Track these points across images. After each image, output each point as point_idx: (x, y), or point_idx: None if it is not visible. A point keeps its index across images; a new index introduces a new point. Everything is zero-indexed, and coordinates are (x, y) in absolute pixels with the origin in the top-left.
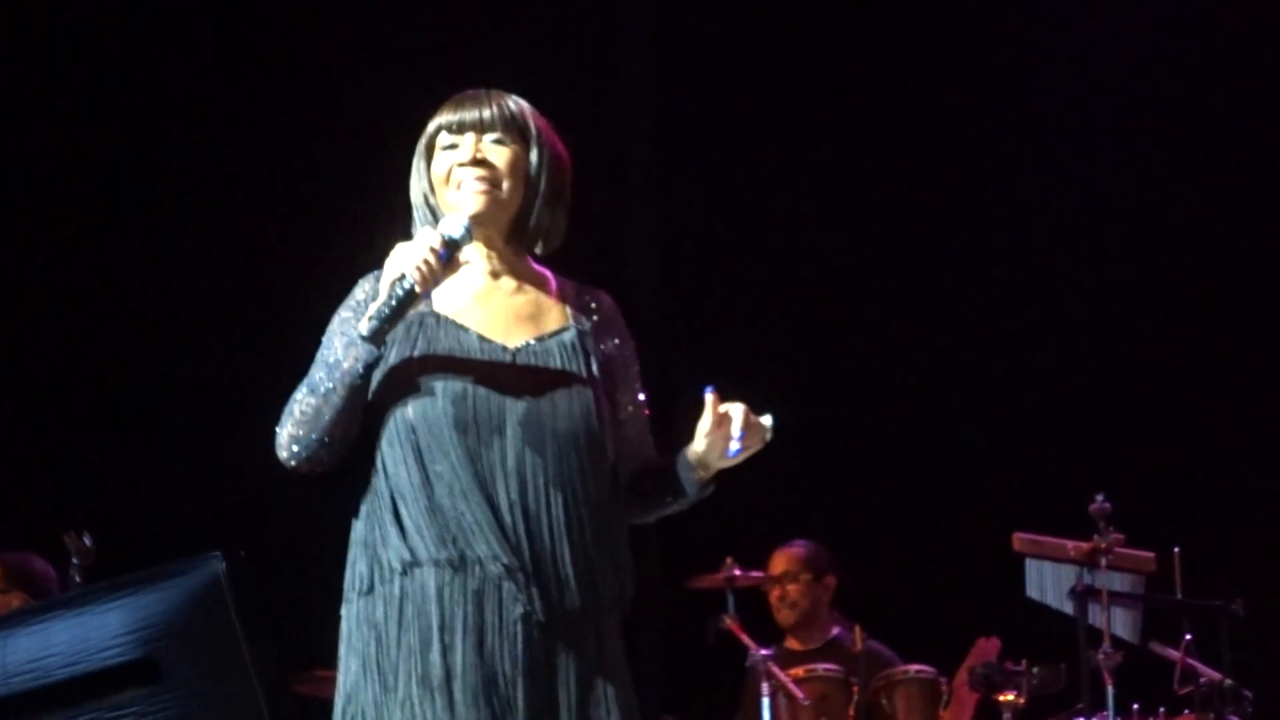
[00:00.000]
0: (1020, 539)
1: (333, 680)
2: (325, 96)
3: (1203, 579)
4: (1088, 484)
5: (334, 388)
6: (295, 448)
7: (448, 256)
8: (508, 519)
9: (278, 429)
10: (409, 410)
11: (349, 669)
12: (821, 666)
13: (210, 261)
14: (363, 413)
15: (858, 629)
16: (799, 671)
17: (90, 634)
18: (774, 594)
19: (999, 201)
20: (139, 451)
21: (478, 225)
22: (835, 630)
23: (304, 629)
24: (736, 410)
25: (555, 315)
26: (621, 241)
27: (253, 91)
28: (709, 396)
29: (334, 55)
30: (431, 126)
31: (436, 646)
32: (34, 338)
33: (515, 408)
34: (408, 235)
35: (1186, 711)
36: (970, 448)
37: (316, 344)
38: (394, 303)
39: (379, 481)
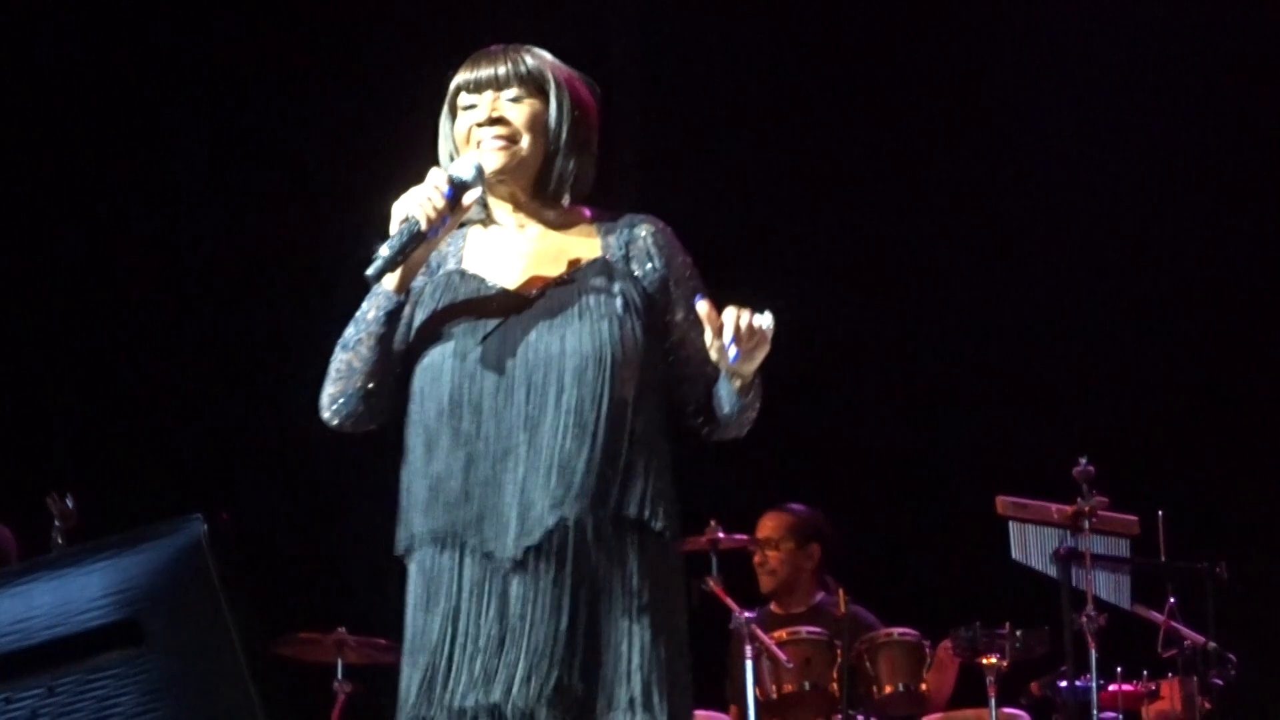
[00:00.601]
0: (1004, 502)
1: (317, 643)
2: (347, 58)
3: (1186, 542)
4: (1072, 447)
5: (360, 339)
6: (335, 405)
7: (454, 195)
8: (488, 478)
9: (321, 393)
10: (419, 371)
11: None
12: (805, 629)
13: (193, 221)
14: (399, 367)
15: (841, 592)
16: (782, 634)
17: (72, 596)
18: (756, 559)
19: (986, 166)
20: (122, 413)
21: (500, 182)
22: (819, 595)
23: (287, 591)
24: (728, 316)
25: (584, 250)
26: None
27: (269, 51)
28: (699, 306)
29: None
30: (452, 87)
31: (432, 617)
32: (14, 300)
33: (523, 352)
34: None
35: (1170, 674)
36: (954, 411)
37: (300, 303)
38: (398, 243)
39: (400, 450)
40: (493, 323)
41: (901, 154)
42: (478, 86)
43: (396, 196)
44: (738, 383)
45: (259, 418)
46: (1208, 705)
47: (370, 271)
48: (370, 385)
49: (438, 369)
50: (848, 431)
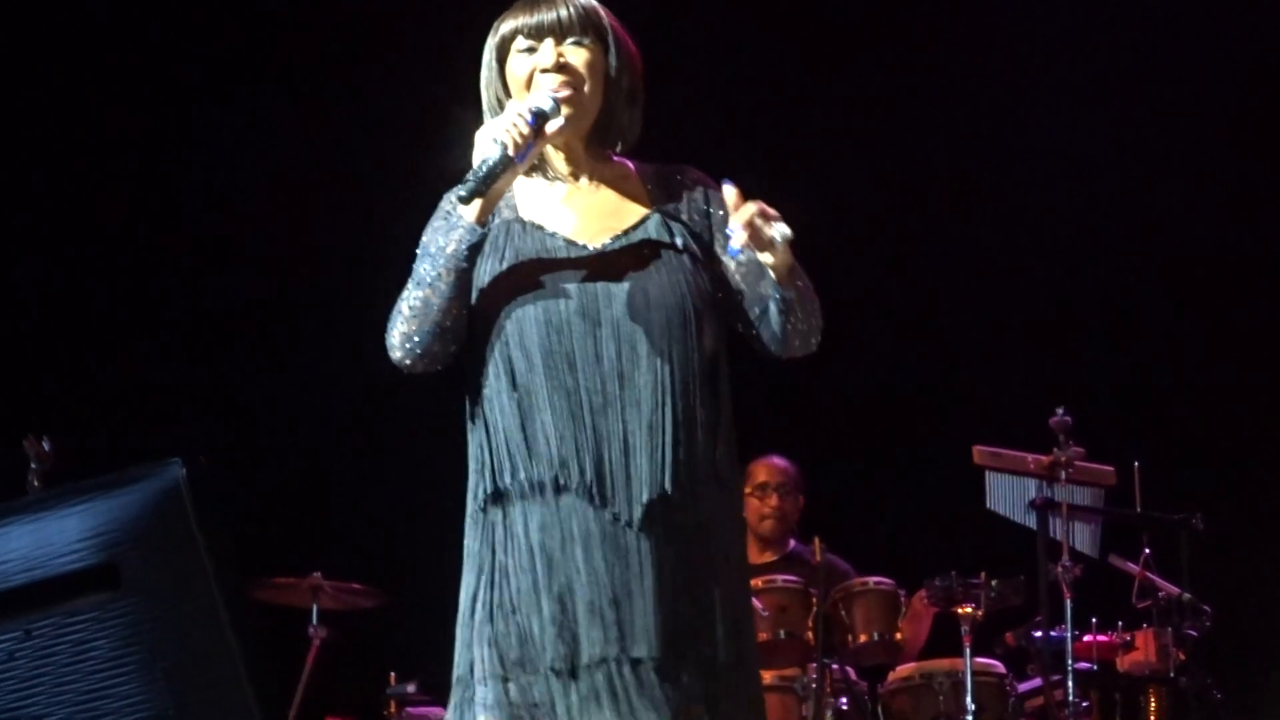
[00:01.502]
0: (980, 452)
1: (293, 588)
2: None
3: (1162, 493)
4: (1048, 398)
5: (440, 274)
6: (409, 344)
7: (536, 124)
8: (594, 431)
9: (387, 334)
10: (503, 323)
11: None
12: (781, 578)
13: (168, 161)
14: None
15: (817, 541)
16: (758, 583)
17: (49, 539)
18: (758, 503)
19: (967, 116)
20: (99, 355)
21: (564, 126)
22: (793, 544)
23: (264, 536)
24: (745, 210)
25: (637, 205)
26: None
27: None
28: (726, 188)
29: None
30: (505, 28)
31: (500, 576)
32: None
33: (606, 306)
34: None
35: (1145, 625)
36: (931, 361)
37: (278, 246)
38: (487, 167)
39: (478, 401)
40: (571, 278)
41: (884, 103)
42: (538, 32)
43: (376, 139)
44: (773, 274)
45: (238, 361)
46: (1182, 656)
47: (462, 192)
48: (448, 322)
49: (522, 323)
50: (824, 381)
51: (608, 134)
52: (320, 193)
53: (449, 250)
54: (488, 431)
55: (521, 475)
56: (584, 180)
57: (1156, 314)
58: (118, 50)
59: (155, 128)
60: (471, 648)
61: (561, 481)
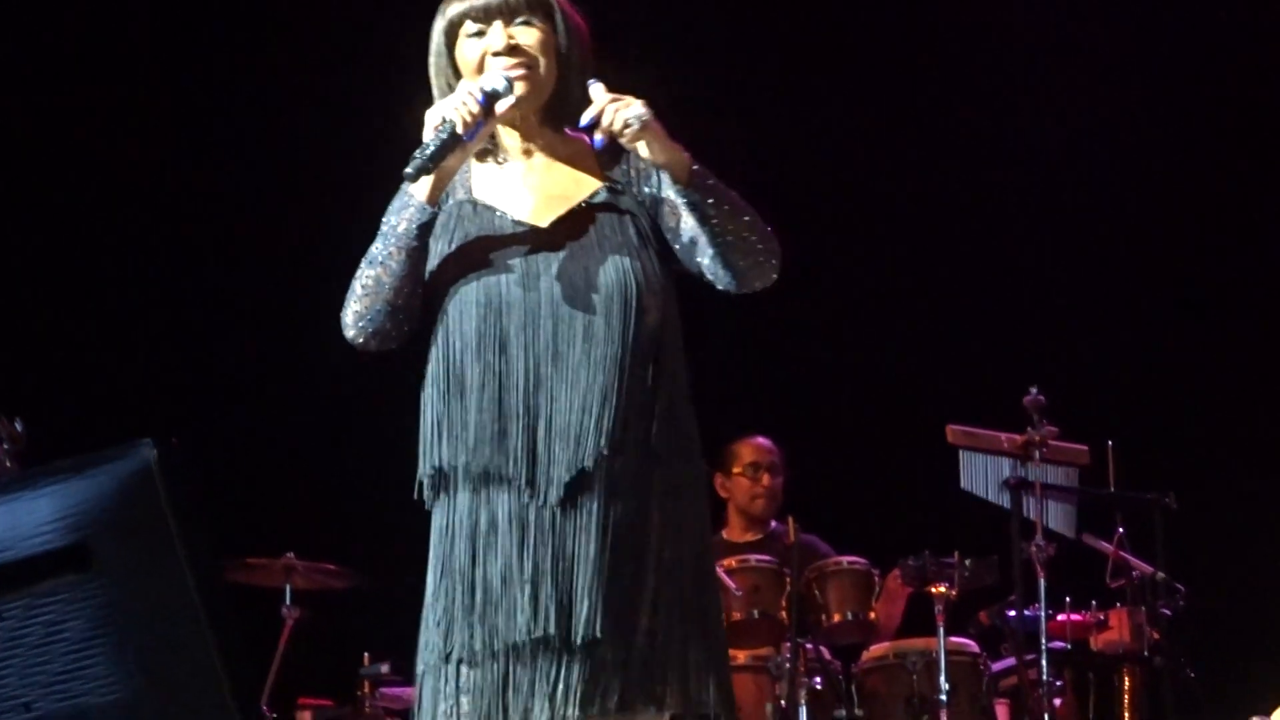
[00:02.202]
0: (954, 431)
1: (265, 568)
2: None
3: (1136, 472)
4: (1022, 377)
5: (390, 253)
6: (361, 323)
7: (487, 103)
8: (521, 413)
9: (342, 313)
10: (445, 304)
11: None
12: (754, 557)
13: (141, 139)
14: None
15: (791, 520)
16: (731, 562)
17: (21, 520)
18: (749, 483)
19: (945, 95)
20: (71, 337)
21: (516, 106)
22: (774, 524)
23: (236, 516)
24: (598, 100)
25: (590, 181)
26: None
27: None
28: (594, 88)
29: None
30: (452, 12)
31: (454, 550)
32: None
33: (546, 285)
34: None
35: (1119, 604)
36: (905, 340)
37: (251, 225)
38: (436, 144)
39: (421, 384)
40: (515, 258)
41: (860, 82)
42: (485, 14)
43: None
44: (671, 177)
45: (210, 342)
46: (1156, 635)
47: (409, 170)
48: (399, 301)
49: (460, 302)
50: (799, 361)
51: (562, 110)
52: (292, 172)
53: (399, 229)
54: (424, 415)
55: (452, 460)
56: (538, 158)
57: (1130, 293)
58: (75, 35)
59: (124, 106)
60: (427, 632)
61: (487, 465)
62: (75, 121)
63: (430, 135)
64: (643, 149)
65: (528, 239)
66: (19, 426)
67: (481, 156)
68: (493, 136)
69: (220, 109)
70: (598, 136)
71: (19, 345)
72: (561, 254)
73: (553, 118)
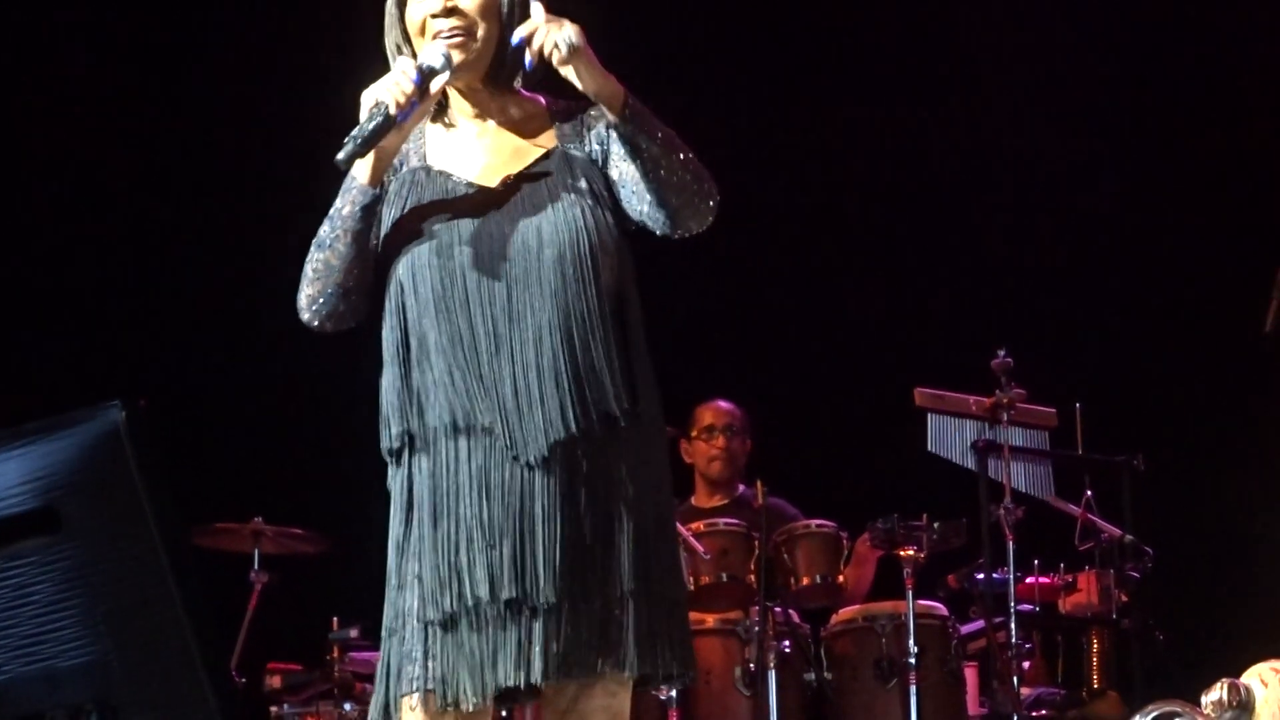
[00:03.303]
0: (922, 394)
1: (234, 533)
2: None
3: (1103, 435)
4: (989, 339)
5: (338, 235)
6: (314, 306)
7: (422, 82)
8: (485, 375)
9: (297, 295)
10: (398, 270)
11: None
12: (722, 521)
13: (120, 99)
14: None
15: (759, 484)
16: (699, 526)
17: None
18: (705, 445)
19: (911, 64)
20: (36, 300)
21: (457, 73)
22: (742, 488)
23: (204, 481)
24: (530, 20)
25: (543, 140)
26: None
27: None
28: (534, 7)
29: None
30: None
31: (418, 514)
32: None
33: (500, 247)
34: None
35: (1087, 567)
36: (872, 302)
37: (226, 188)
38: (367, 127)
39: (381, 350)
40: (467, 220)
41: (829, 43)
42: None
43: (341, 84)
44: (605, 108)
45: (178, 305)
46: (1124, 598)
47: (340, 156)
48: (350, 283)
49: (416, 269)
50: (765, 324)
51: (506, 70)
52: (257, 131)
53: (344, 212)
54: (385, 380)
55: (414, 424)
56: (490, 121)
57: (1098, 256)
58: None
59: (97, 65)
60: (393, 594)
61: (453, 428)
62: (48, 85)
63: (364, 117)
64: (571, 74)
65: (480, 201)
66: None
67: (434, 119)
68: (444, 100)
69: (196, 72)
70: (528, 57)
71: None
72: (515, 215)
73: (500, 78)
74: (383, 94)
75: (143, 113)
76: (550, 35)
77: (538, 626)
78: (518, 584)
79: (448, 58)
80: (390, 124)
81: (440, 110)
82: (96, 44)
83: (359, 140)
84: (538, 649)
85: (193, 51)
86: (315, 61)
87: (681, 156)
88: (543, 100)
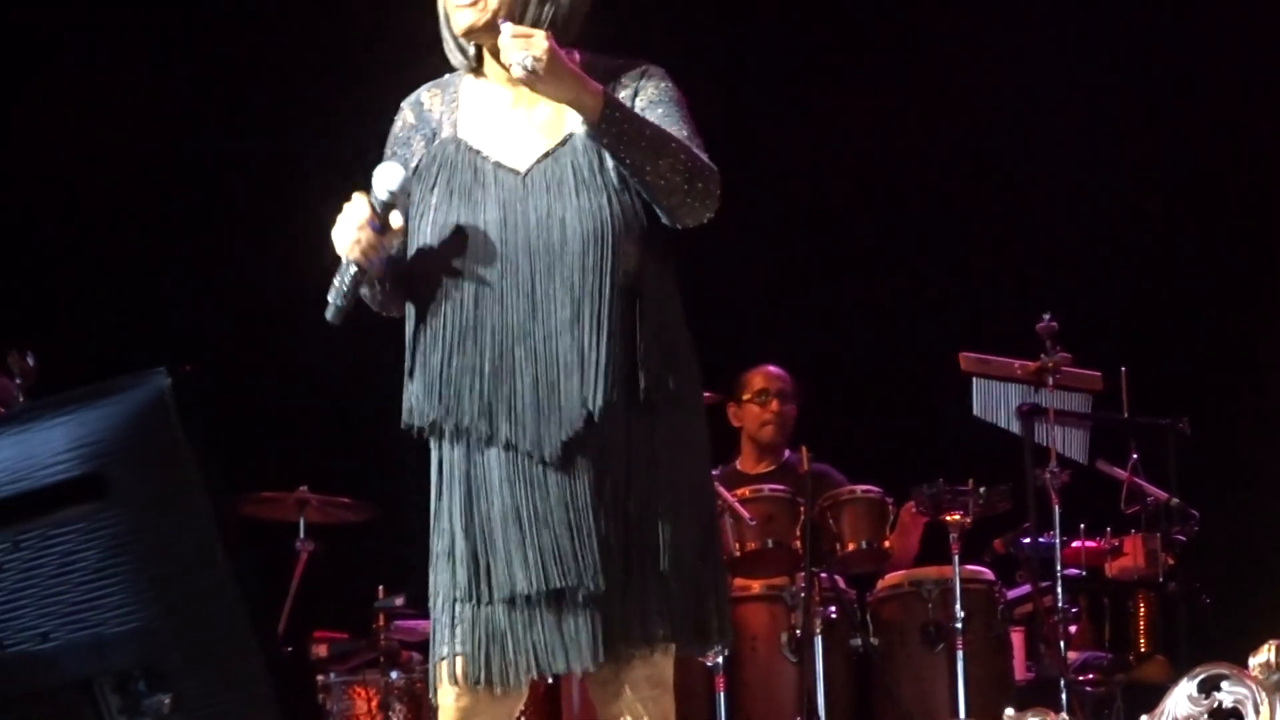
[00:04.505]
0: (967, 358)
1: (279, 502)
2: None
3: (1149, 398)
4: (1035, 303)
5: (336, 287)
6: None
7: (381, 226)
8: (504, 366)
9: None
10: (425, 254)
11: None
12: (768, 487)
13: (157, 72)
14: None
15: (804, 450)
16: (745, 492)
17: (35, 450)
18: (757, 410)
19: (953, 27)
20: (83, 268)
21: (475, 36)
22: (788, 453)
23: (250, 450)
24: (504, 33)
25: (574, 115)
26: None
27: None
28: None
29: None
30: None
31: (446, 497)
32: None
33: (523, 236)
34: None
35: (1133, 530)
36: (918, 267)
37: (266, 156)
38: (344, 286)
39: (407, 327)
40: (494, 207)
41: (870, 14)
42: None
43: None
44: (585, 121)
45: (223, 272)
46: (1170, 561)
47: (329, 317)
48: (388, 312)
49: (439, 250)
50: (811, 289)
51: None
52: (309, 94)
53: (334, 285)
54: (408, 366)
55: (437, 412)
56: (523, 89)
57: (1143, 219)
58: None
59: (138, 37)
60: (432, 571)
61: (473, 418)
62: (92, 56)
63: (337, 277)
64: (539, 91)
65: (507, 184)
66: (30, 360)
67: (476, 75)
68: (480, 61)
69: (231, 44)
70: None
71: (30, 278)
72: (538, 201)
73: None
74: (346, 249)
75: (197, 75)
76: (509, 55)
77: (576, 616)
78: (551, 571)
79: (404, 180)
80: (364, 273)
81: (475, 71)
82: (144, 21)
83: (341, 298)
84: (573, 635)
85: (239, 23)
86: (357, 37)
87: (666, 160)
88: (578, 57)
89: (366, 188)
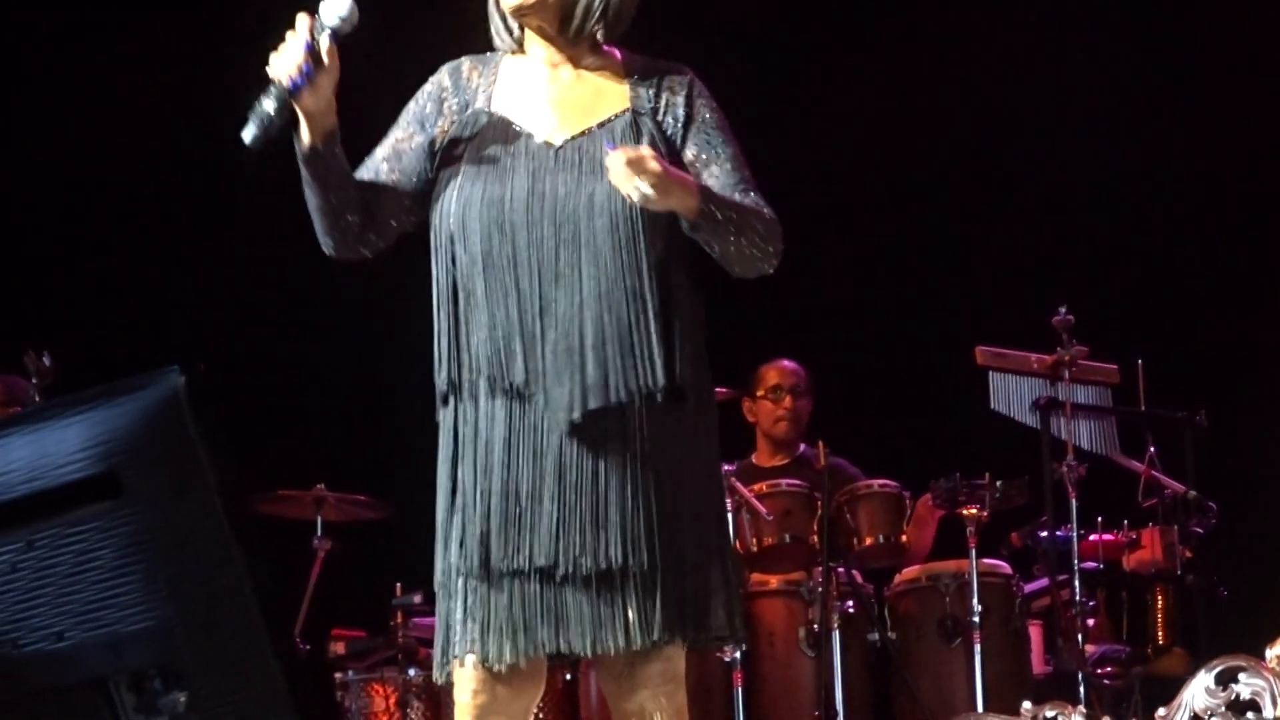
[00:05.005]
0: (983, 352)
1: (296, 500)
2: None
3: (1166, 391)
4: (1051, 296)
5: (305, 188)
6: (324, 242)
7: (312, 46)
8: (529, 335)
9: None
10: (450, 218)
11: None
12: (785, 481)
13: (170, 68)
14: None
15: (820, 444)
16: (761, 487)
17: (50, 449)
18: (772, 405)
19: (967, 20)
20: (96, 268)
21: (524, 16)
22: (803, 447)
23: (266, 448)
24: (614, 159)
25: (614, 99)
26: None
27: None
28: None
29: None
30: None
31: (461, 469)
32: None
33: (552, 208)
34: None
35: (1151, 523)
36: (933, 261)
37: (278, 151)
38: (264, 106)
39: (431, 301)
40: (522, 175)
41: (898, 5)
42: None
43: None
44: (683, 220)
45: (238, 270)
46: (1188, 553)
47: (245, 139)
48: (337, 219)
49: (468, 220)
50: (827, 283)
51: (574, 22)
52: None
53: (261, 105)
54: (434, 331)
55: (460, 376)
56: (562, 71)
57: (1158, 211)
58: None
59: (156, 37)
60: (440, 550)
61: (496, 385)
62: (108, 52)
63: (263, 97)
64: (654, 208)
65: (539, 157)
66: (46, 360)
67: (515, 51)
68: (521, 37)
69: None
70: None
71: (46, 278)
72: (571, 176)
73: (574, 27)
74: (276, 67)
75: (206, 72)
76: (623, 183)
77: (575, 594)
78: (556, 553)
79: (349, 15)
80: (285, 97)
81: (516, 48)
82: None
83: (259, 120)
84: (574, 617)
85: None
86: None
87: (750, 235)
88: (618, 55)
89: None
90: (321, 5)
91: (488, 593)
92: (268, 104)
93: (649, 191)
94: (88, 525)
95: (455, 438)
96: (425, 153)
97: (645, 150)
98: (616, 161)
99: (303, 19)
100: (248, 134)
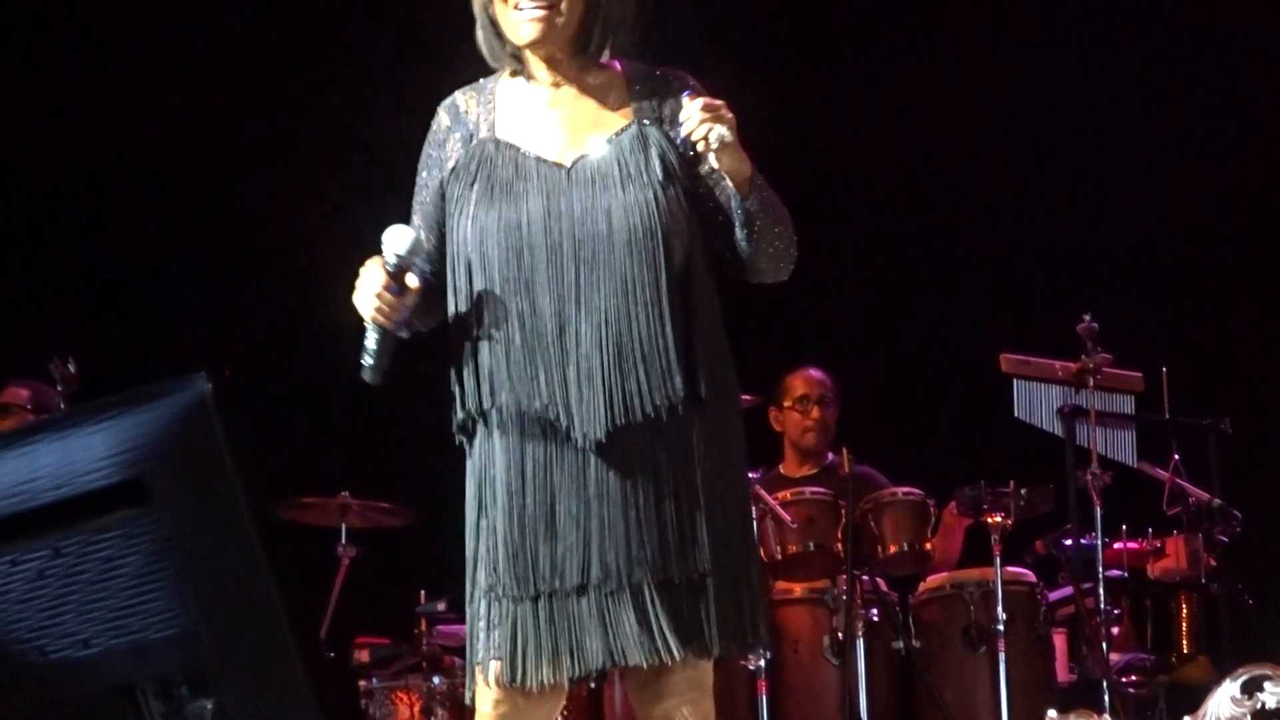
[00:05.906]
0: (1008, 360)
1: (321, 507)
2: None
3: (1190, 398)
4: (1075, 304)
5: (365, 348)
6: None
7: (399, 289)
8: (549, 357)
9: None
10: (468, 247)
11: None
12: (809, 490)
13: (191, 75)
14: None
15: (845, 452)
16: (786, 495)
17: (76, 456)
18: (799, 416)
19: (990, 25)
20: (123, 275)
21: (537, 47)
22: (830, 456)
23: (291, 455)
24: (692, 105)
25: (619, 115)
26: None
27: None
28: (685, 102)
29: None
30: None
31: (485, 491)
32: (8, 161)
33: (569, 227)
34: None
35: (1175, 531)
36: (958, 268)
37: (304, 161)
38: (375, 347)
39: (447, 327)
40: (536, 198)
41: (916, 10)
42: None
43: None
44: (731, 182)
45: (264, 277)
46: (1213, 561)
47: (368, 379)
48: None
49: (485, 247)
50: (852, 290)
51: (589, 45)
52: (345, 100)
53: (367, 345)
54: (450, 358)
55: (483, 403)
56: (566, 89)
57: (1183, 218)
58: None
59: (184, 35)
60: (469, 573)
61: (519, 409)
62: (136, 60)
63: (366, 337)
64: (713, 159)
65: (551, 178)
66: (72, 367)
67: (513, 75)
68: (522, 62)
69: (272, 43)
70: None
71: (72, 286)
72: (585, 194)
73: (582, 48)
74: (368, 311)
75: (233, 83)
76: (704, 129)
77: (619, 608)
78: (585, 570)
79: (415, 240)
80: (390, 335)
81: (515, 72)
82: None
83: (375, 358)
84: (603, 633)
85: (286, 25)
86: (394, 38)
87: (779, 229)
88: (619, 67)
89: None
90: (384, 241)
91: (516, 612)
92: (370, 342)
93: (726, 135)
94: (114, 532)
95: (481, 461)
96: (441, 196)
97: (722, 104)
98: (693, 109)
99: (374, 263)
100: (368, 376)
